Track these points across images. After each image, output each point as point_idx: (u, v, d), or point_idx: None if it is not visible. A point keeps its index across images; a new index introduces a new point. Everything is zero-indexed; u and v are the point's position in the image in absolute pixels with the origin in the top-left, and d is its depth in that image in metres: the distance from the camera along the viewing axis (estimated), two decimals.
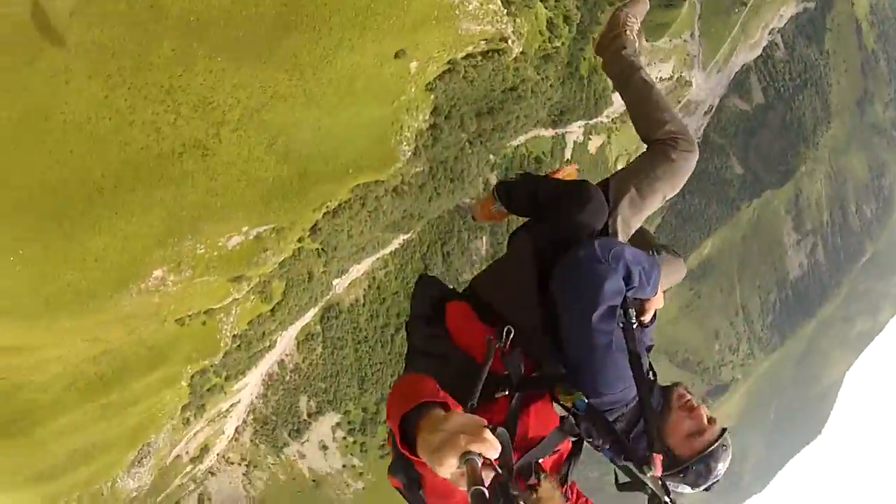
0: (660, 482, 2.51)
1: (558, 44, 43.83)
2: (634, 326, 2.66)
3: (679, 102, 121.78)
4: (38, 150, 20.75)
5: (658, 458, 2.45)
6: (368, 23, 26.27)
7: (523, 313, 2.62)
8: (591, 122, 57.09)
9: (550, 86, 43.14)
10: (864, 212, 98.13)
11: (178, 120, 22.91)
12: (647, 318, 2.86)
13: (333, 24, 25.35)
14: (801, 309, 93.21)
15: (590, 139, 62.94)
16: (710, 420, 2.59)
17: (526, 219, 3.23)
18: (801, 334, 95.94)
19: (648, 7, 3.84)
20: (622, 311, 2.59)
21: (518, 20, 37.86)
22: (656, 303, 2.88)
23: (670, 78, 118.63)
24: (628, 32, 3.66)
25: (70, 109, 20.98)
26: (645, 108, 3.27)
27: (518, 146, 48.25)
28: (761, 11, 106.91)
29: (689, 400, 2.67)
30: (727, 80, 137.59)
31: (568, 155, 56.27)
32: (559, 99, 46.78)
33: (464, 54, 32.15)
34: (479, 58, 34.08)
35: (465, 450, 1.37)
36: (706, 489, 2.57)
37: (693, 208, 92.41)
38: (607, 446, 2.59)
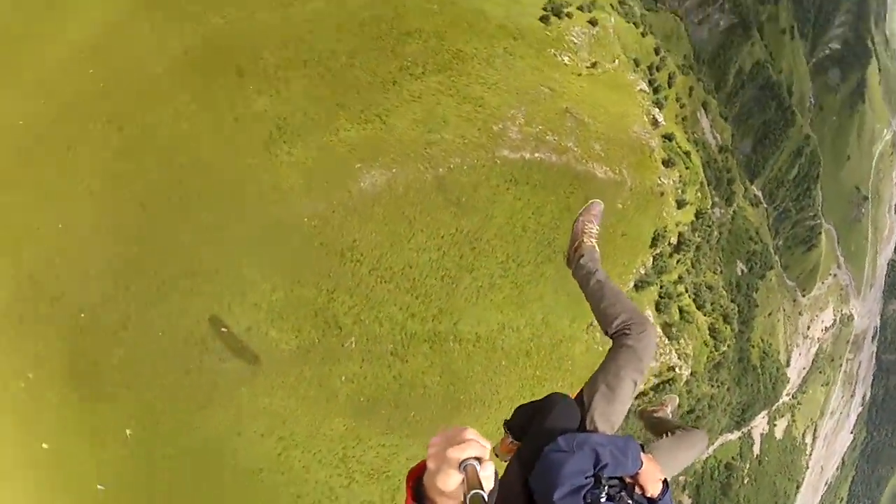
0: None
1: (724, 347, 43.19)
2: (630, 501, 2.89)
3: (847, 343, 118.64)
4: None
5: None
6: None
7: None
8: (772, 408, 55.11)
9: (727, 390, 42.00)
10: None
11: (352, 484, 23.99)
12: (650, 490, 2.99)
13: (502, 398, 26.55)
14: None
15: (775, 425, 61.68)
16: None
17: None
18: None
19: (602, 206, 4.60)
20: (598, 489, 2.73)
21: (681, 341, 37.83)
22: (650, 475, 3.00)
23: (833, 324, 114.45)
24: (586, 240, 4.29)
25: (239, 461, 22.39)
26: (601, 307, 3.69)
27: (707, 458, 48.08)
28: (881, 197, 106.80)
29: None
30: (880, 288, 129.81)
31: (757, 450, 55.96)
32: (738, 399, 45.55)
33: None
34: (651, 394, 33.78)
35: (459, 459, 1.40)
36: None
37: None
38: None
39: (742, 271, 76.59)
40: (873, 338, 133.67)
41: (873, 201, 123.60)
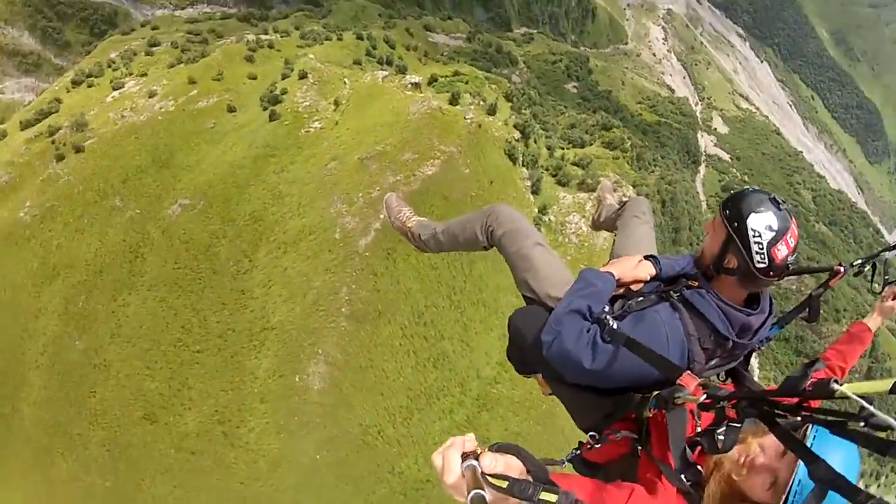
0: None
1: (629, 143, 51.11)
2: (625, 306, 2.72)
3: (687, 26, 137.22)
4: None
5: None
6: None
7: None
8: (700, 126, 65.07)
9: (658, 158, 50.22)
10: None
11: None
12: (641, 276, 2.82)
13: None
14: None
15: (714, 129, 79.20)
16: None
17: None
18: None
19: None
20: (603, 324, 2.56)
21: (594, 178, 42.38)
22: (625, 271, 2.84)
23: (664, 30, 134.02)
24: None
25: None
26: (462, 242, 3.59)
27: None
28: None
29: None
30: None
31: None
32: (675, 151, 54.43)
33: None
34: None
35: (456, 462, 1.43)
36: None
37: None
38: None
39: (575, 89, 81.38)
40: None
41: None
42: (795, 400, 1.84)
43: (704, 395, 2.10)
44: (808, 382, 1.81)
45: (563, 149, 54.47)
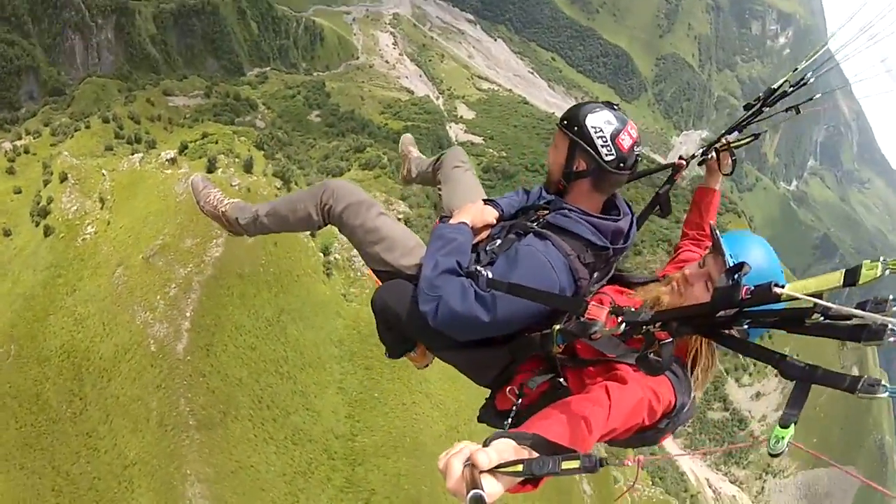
0: None
1: None
2: (489, 253, 2.68)
3: None
4: None
5: None
6: None
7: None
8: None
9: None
10: None
11: None
12: (488, 219, 2.86)
13: None
14: None
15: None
16: None
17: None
18: None
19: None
20: (474, 276, 2.50)
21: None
22: (473, 218, 2.83)
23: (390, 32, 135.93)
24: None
25: None
26: (292, 223, 3.34)
27: None
28: None
29: None
30: None
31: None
32: None
33: None
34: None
35: (458, 466, 1.40)
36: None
37: None
38: None
39: (318, 117, 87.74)
40: None
41: None
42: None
43: (623, 323, 2.00)
44: (744, 289, 1.78)
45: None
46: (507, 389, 2.54)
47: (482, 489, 1.33)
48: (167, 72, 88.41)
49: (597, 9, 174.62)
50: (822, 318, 1.60)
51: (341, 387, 39.63)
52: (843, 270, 1.59)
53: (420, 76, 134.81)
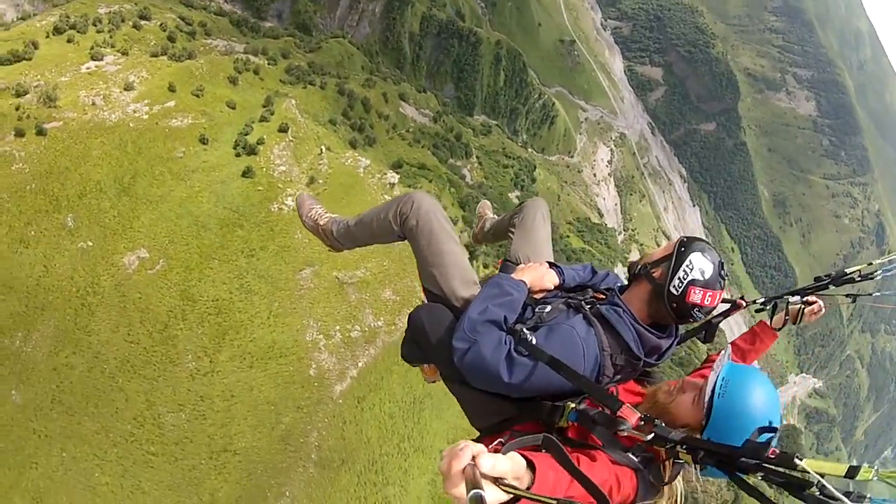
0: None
1: None
2: (535, 316, 2.75)
3: (634, 155, 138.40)
4: None
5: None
6: None
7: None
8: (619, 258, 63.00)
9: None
10: None
11: None
12: (547, 285, 2.94)
13: None
14: None
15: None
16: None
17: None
18: None
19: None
20: (517, 335, 2.56)
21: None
22: (535, 279, 2.93)
23: (612, 153, 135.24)
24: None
25: None
26: (374, 233, 3.45)
27: None
28: (584, 30, 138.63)
29: None
30: (631, 92, 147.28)
31: None
32: None
33: None
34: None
35: (458, 469, 1.45)
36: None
37: None
38: None
39: (517, 199, 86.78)
40: (653, 131, 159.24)
41: (580, 39, 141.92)
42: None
43: (652, 435, 2.10)
44: (771, 450, 1.92)
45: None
46: (497, 440, 2.33)
47: (482, 488, 1.37)
48: (409, 72, 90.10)
49: (792, 222, 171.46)
50: (818, 493, 1.79)
51: (434, 480, 39.74)
52: (848, 465, 1.81)
53: (616, 205, 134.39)
